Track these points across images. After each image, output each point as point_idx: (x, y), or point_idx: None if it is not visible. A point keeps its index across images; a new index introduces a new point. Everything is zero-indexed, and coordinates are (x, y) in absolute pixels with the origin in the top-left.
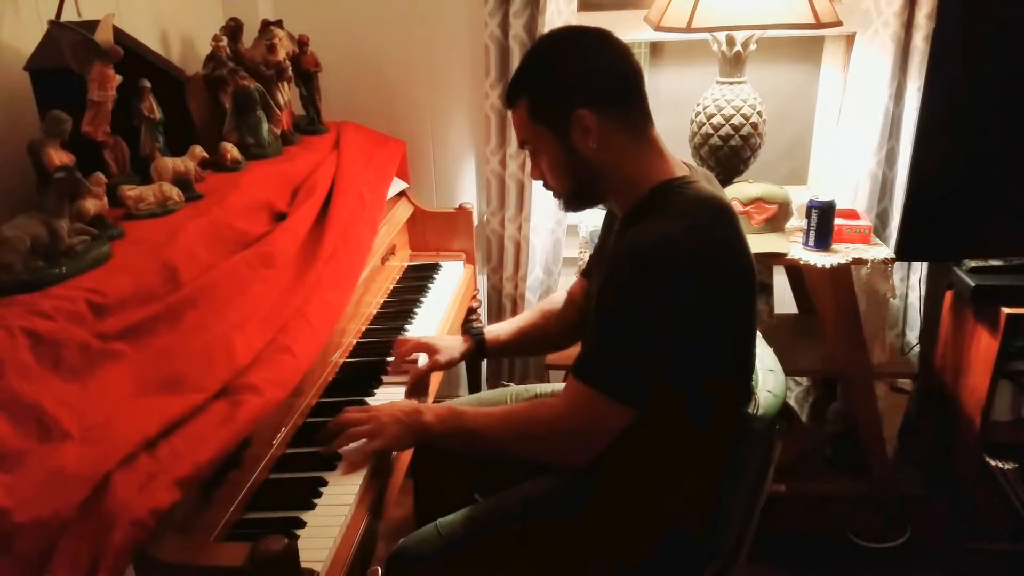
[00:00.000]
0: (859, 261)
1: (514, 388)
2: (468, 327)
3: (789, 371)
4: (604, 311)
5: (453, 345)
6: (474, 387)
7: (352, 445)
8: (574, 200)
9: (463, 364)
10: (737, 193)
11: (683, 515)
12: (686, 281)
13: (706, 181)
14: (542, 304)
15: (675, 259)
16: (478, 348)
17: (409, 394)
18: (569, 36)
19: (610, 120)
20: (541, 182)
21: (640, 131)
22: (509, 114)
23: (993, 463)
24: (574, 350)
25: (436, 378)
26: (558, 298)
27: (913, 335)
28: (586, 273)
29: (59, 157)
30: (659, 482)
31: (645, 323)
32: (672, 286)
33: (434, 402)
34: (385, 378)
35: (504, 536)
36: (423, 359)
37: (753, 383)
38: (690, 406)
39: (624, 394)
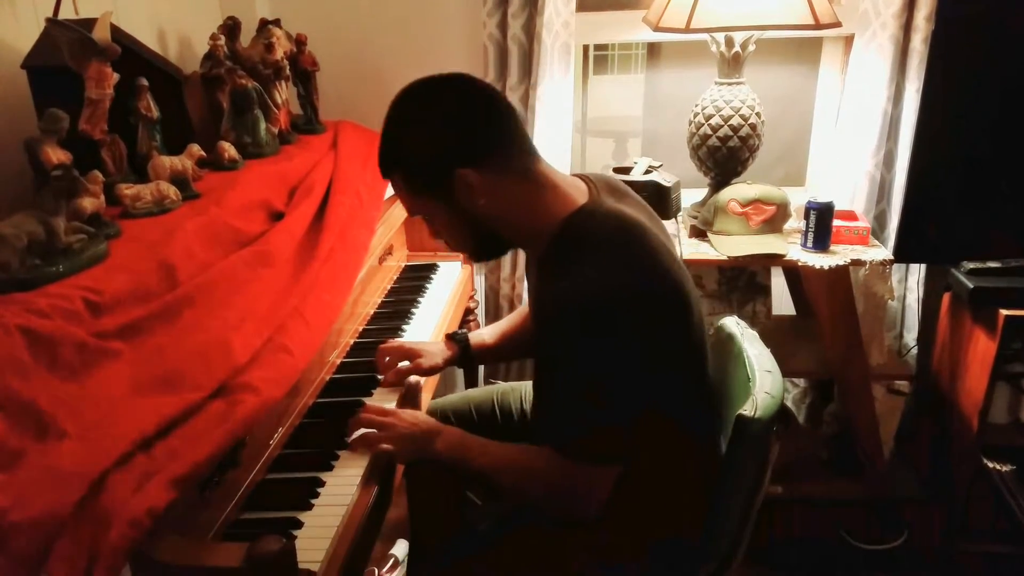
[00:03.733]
0: (857, 263)
1: (500, 386)
2: (452, 333)
3: (786, 372)
4: (552, 376)
5: (436, 351)
6: (471, 385)
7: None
8: (480, 255)
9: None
10: (735, 194)
11: (679, 518)
12: (621, 325)
13: (608, 194)
14: (525, 306)
15: (605, 307)
16: (463, 354)
17: (401, 402)
18: (424, 96)
19: (492, 171)
20: (444, 243)
21: (527, 173)
22: None
23: (990, 465)
24: None
25: (431, 382)
26: None
27: (911, 337)
28: None
29: (56, 155)
30: (654, 485)
31: (597, 381)
32: (610, 334)
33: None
34: (376, 390)
35: (498, 543)
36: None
37: (749, 386)
38: (676, 420)
39: (603, 458)
